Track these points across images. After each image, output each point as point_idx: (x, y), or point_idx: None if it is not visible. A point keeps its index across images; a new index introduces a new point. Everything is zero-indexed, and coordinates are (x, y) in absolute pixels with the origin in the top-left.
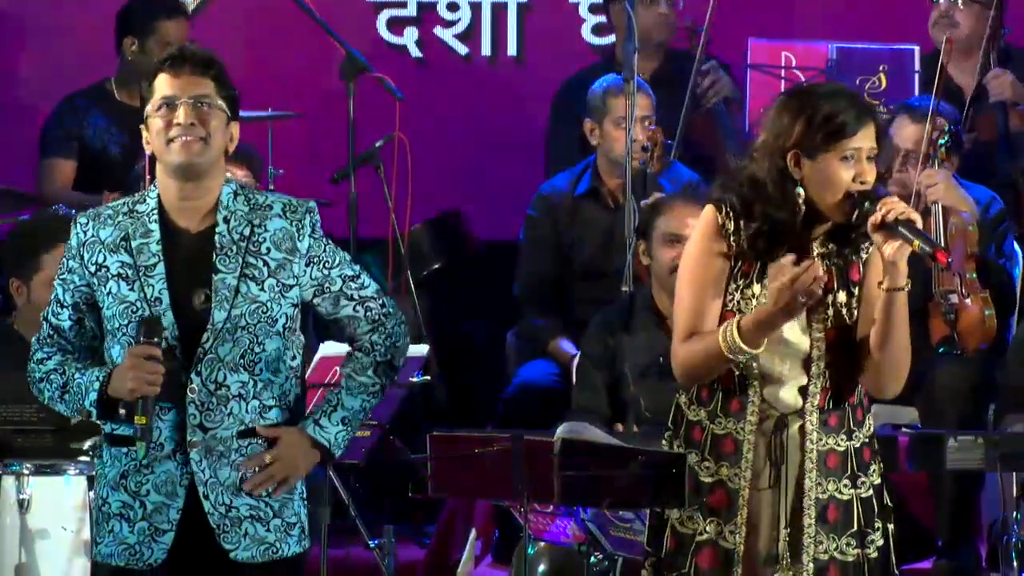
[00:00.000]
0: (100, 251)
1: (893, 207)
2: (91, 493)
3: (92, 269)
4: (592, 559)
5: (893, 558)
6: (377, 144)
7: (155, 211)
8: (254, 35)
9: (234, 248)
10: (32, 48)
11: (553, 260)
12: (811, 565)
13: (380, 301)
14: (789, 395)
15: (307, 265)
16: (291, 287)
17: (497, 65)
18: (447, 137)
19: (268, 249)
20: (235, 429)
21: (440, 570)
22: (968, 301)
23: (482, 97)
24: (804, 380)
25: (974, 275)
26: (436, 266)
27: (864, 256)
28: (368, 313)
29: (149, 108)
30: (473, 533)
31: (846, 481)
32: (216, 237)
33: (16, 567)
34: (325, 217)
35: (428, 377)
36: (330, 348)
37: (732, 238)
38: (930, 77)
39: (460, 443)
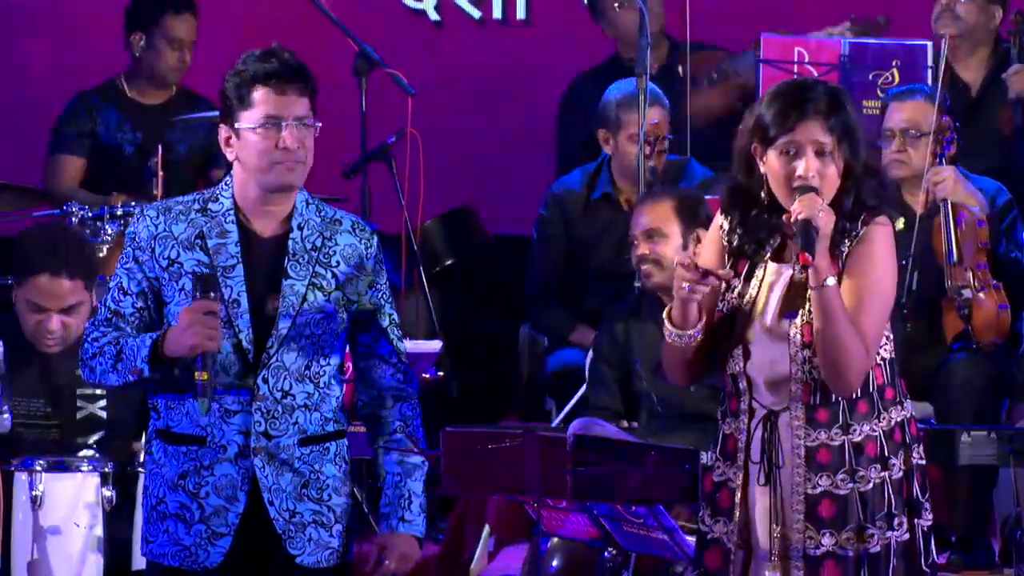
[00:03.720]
0: (174, 246)
1: (799, 205)
2: (104, 489)
3: (164, 264)
4: (605, 555)
5: (921, 551)
6: (389, 140)
7: (231, 211)
8: (266, 31)
9: (306, 256)
10: (44, 44)
11: (565, 260)
12: (801, 561)
13: (405, 358)
14: (775, 391)
15: (368, 288)
16: (353, 303)
17: (508, 24)
18: (460, 132)
19: (338, 262)
20: (298, 437)
21: (453, 566)
22: (981, 296)
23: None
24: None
25: (986, 269)
26: (449, 262)
27: (844, 250)
28: (397, 369)
29: (245, 119)
30: (487, 529)
31: (843, 476)
32: (290, 243)
33: (29, 564)
34: None
35: (441, 373)
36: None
37: (726, 238)
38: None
39: (473, 439)
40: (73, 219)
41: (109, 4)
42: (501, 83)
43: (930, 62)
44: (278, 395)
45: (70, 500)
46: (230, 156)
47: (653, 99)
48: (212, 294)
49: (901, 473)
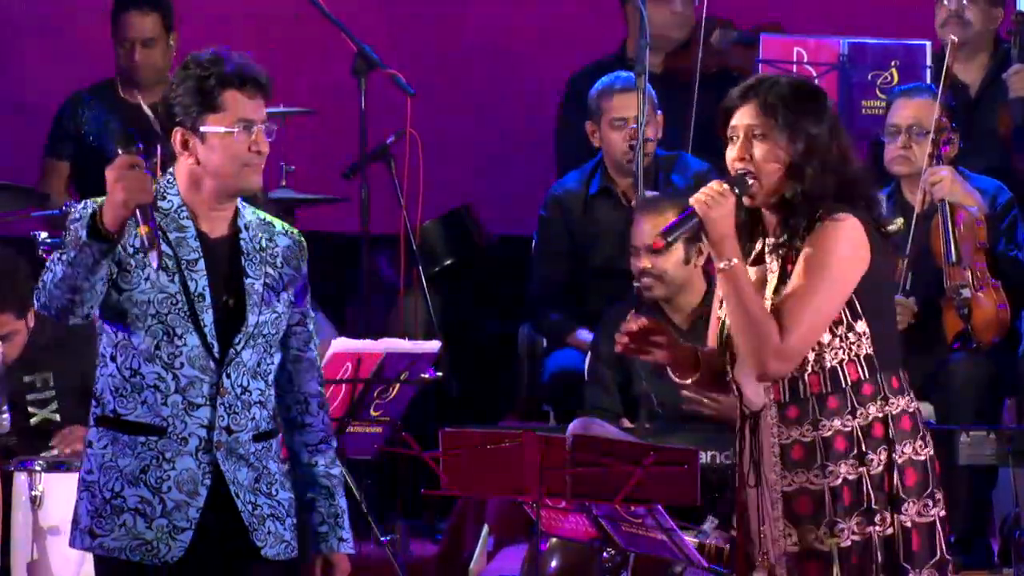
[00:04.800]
0: (136, 236)
1: (699, 193)
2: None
3: (130, 251)
4: (604, 555)
5: (900, 550)
6: (389, 140)
7: (183, 208)
8: (266, 31)
9: (257, 256)
10: (44, 44)
11: (567, 261)
12: (784, 559)
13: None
14: (753, 393)
15: (303, 291)
16: (292, 304)
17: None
18: (459, 132)
19: (281, 263)
20: (253, 433)
21: (452, 566)
22: (980, 295)
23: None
24: None
25: (985, 269)
26: (448, 262)
27: (799, 245)
28: (320, 376)
29: (213, 122)
30: (485, 529)
31: (816, 471)
32: (241, 243)
33: (28, 564)
34: (337, 213)
35: (440, 373)
36: (342, 344)
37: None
38: (940, 72)
39: (472, 439)
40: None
41: (109, 4)
42: (501, 82)
43: (929, 62)
44: (239, 391)
45: (69, 500)
46: (185, 160)
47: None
48: (132, 148)
49: (881, 468)
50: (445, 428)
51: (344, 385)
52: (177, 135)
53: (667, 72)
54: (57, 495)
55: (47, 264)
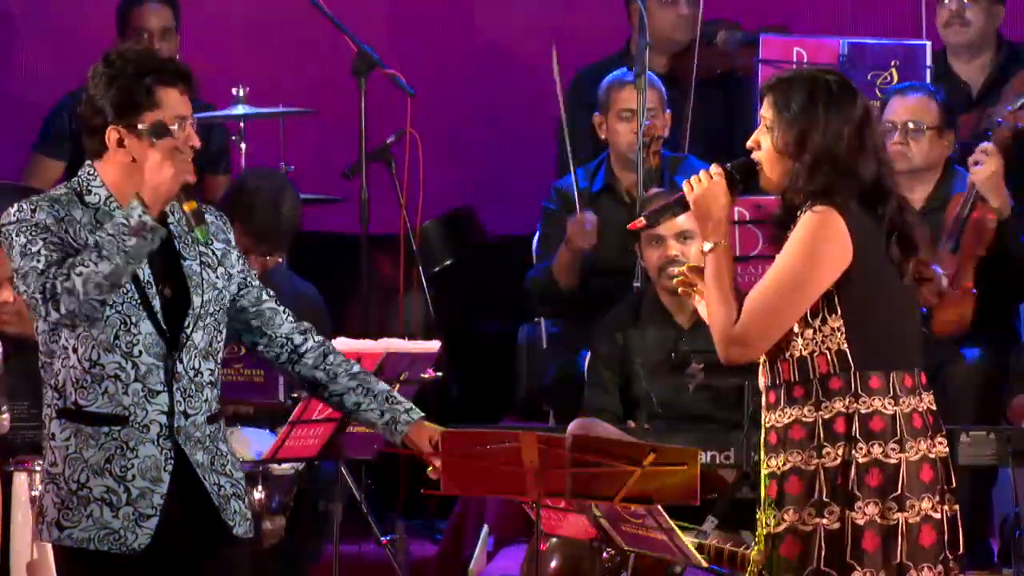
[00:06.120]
0: (79, 230)
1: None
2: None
3: (77, 247)
4: (604, 555)
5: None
6: (389, 140)
7: (112, 200)
8: (266, 32)
9: (188, 238)
10: (44, 43)
11: None
12: (761, 543)
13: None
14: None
15: (237, 258)
16: (231, 276)
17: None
18: (459, 133)
19: (210, 240)
20: (207, 415)
21: (452, 566)
22: (955, 293)
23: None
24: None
25: (970, 275)
26: (448, 262)
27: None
28: (291, 317)
29: (151, 119)
30: (485, 529)
31: (783, 456)
32: (171, 227)
33: (28, 564)
34: (337, 213)
35: (440, 373)
36: (342, 344)
37: None
38: (940, 73)
39: (472, 439)
40: None
41: (109, 4)
42: (501, 82)
43: (928, 62)
44: (192, 373)
45: None
46: (121, 156)
47: (649, 84)
48: (168, 135)
49: (837, 462)
50: (445, 428)
51: None
52: (111, 132)
53: (672, 73)
54: None
55: (63, 271)
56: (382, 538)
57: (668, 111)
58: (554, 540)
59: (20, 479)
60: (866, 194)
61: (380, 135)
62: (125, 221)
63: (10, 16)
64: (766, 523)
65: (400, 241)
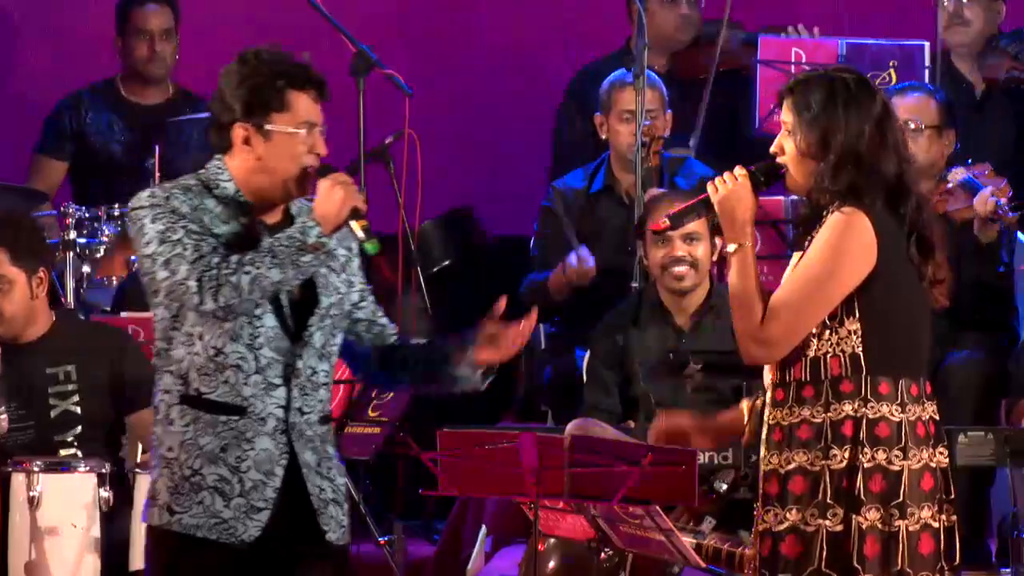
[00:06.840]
0: (213, 219)
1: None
2: (101, 490)
3: (215, 233)
4: (602, 555)
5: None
6: (387, 140)
7: (239, 194)
8: (264, 31)
9: None
10: (45, 44)
11: (566, 252)
12: (757, 540)
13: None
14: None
15: (358, 267)
16: (352, 283)
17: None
18: (458, 133)
19: (335, 246)
20: (320, 415)
21: (450, 566)
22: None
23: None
24: None
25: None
26: (446, 263)
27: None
28: (392, 324)
29: (279, 120)
30: (483, 529)
31: (787, 455)
32: None
33: (26, 565)
34: None
35: None
36: None
37: None
38: (944, 73)
39: (470, 439)
40: (70, 220)
41: (109, 4)
42: (500, 82)
43: (927, 62)
44: (309, 372)
45: (67, 501)
46: (246, 154)
47: (649, 84)
48: (332, 170)
49: (843, 465)
50: (443, 428)
51: (342, 385)
52: (238, 130)
53: (672, 72)
54: (54, 496)
55: (230, 266)
56: (380, 538)
57: (669, 111)
58: (552, 540)
59: (18, 480)
60: (890, 194)
61: (378, 135)
62: (301, 236)
63: (10, 16)
64: (764, 519)
65: (398, 241)
